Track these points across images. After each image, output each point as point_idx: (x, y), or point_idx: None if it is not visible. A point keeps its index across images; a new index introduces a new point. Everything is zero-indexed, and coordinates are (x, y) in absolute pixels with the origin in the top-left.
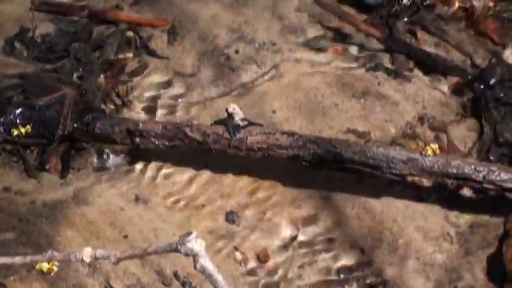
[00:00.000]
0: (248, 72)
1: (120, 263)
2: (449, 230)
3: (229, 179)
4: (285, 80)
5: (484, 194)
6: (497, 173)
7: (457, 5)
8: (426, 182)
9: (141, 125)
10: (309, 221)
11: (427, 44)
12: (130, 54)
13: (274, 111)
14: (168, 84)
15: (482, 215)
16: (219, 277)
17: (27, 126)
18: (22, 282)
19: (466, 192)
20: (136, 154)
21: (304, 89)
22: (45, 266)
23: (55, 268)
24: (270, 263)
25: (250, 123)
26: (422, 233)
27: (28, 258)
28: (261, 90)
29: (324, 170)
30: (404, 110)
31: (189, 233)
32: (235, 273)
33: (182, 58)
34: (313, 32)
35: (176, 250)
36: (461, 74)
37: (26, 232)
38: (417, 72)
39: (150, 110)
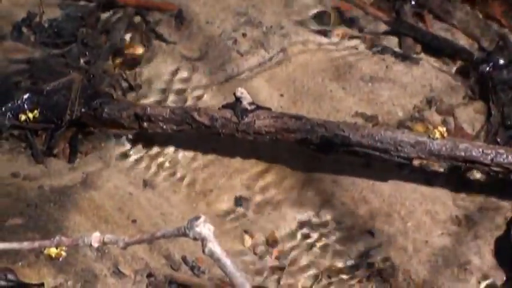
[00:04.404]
0: (255, 56)
1: (129, 247)
2: (457, 213)
3: (237, 163)
4: (293, 63)
5: (492, 177)
6: (505, 155)
7: None
8: (434, 165)
9: (148, 109)
10: (318, 205)
11: (434, 27)
12: (137, 39)
13: (282, 95)
14: (175, 68)
15: (491, 198)
16: (227, 261)
17: (35, 111)
18: (30, 268)
19: (475, 175)
20: (144, 139)
21: (312, 73)
22: (53, 251)
23: (63, 253)
24: (279, 247)
25: (258, 107)
26: (431, 216)
27: (36, 244)
28: (269, 74)
29: (332, 153)
30: (412, 93)
31: (197, 218)
32: (244, 258)
33: (189, 42)
34: (320, 15)
35: (184, 234)
36: (469, 57)
37: (34, 217)
38: (425, 55)
39: (158, 94)
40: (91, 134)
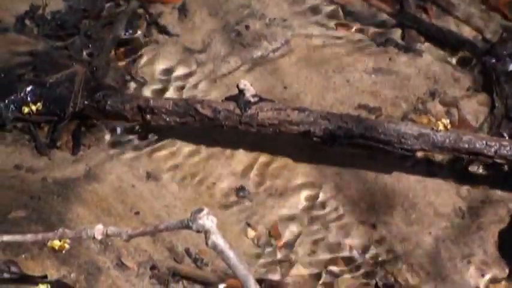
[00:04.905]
0: (259, 48)
1: (132, 240)
2: (461, 205)
3: (240, 155)
4: (296, 55)
5: (495, 169)
6: (508, 147)
7: None
8: (437, 157)
9: (151, 101)
10: (321, 197)
11: (438, 18)
12: (140, 31)
13: (285, 87)
14: (178, 60)
15: (494, 190)
16: (230, 253)
17: (38, 104)
18: (33, 260)
19: (478, 167)
20: (147, 131)
21: (315, 65)
22: (56, 243)
23: (66, 245)
24: (282, 239)
25: (261, 99)
26: (434, 208)
27: (39, 236)
28: (272, 66)
29: (335, 145)
30: (415, 85)
31: (200, 210)
32: (247, 250)
33: (193, 34)
34: (323, 7)
35: (187, 227)
36: (472, 48)
37: (37, 209)
38: (428, 47)
39: (161, 86)
40: (94, 127)
